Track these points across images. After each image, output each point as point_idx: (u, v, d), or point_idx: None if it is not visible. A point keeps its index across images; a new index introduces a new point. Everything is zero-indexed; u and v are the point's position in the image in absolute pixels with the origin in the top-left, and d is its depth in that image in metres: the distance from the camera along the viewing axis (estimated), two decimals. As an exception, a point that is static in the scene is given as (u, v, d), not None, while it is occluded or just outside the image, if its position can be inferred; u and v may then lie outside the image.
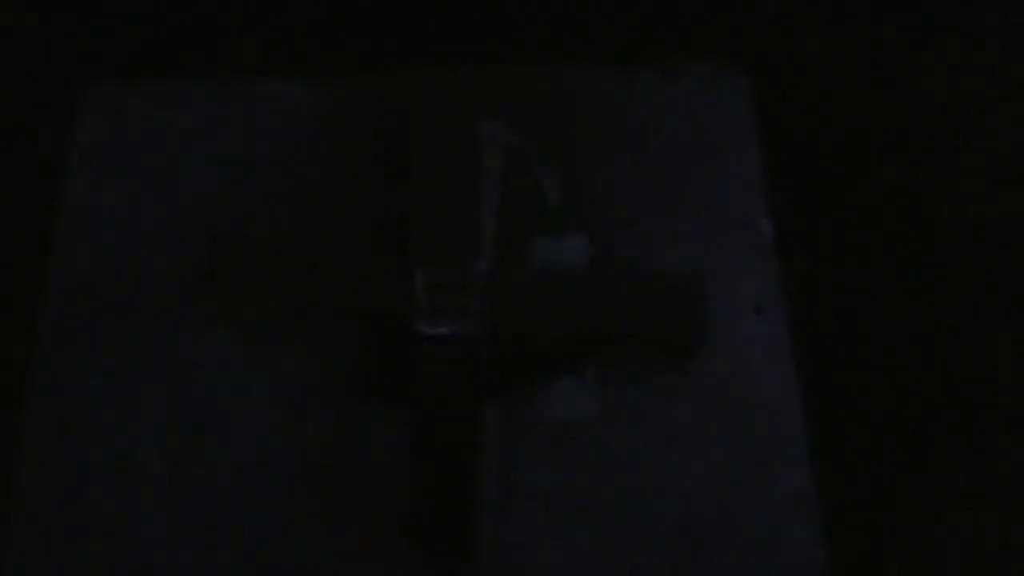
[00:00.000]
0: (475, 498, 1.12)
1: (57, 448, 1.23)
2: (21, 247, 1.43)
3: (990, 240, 1.52)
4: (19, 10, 1.62)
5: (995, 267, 1.51)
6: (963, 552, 1.27)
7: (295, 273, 1.23)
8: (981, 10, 1.66)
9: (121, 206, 1.39)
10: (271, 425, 1.23)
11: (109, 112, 1.46)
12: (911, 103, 1.62)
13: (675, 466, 1.25)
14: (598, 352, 1.29)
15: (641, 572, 1.11)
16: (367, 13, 1.69)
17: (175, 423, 1.24)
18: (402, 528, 1.10)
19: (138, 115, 1.45)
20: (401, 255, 1.20)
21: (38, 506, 1.20)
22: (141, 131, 1.44)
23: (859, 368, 1.40)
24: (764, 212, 1.39)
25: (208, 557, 1.10)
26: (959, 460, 1.31)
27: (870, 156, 1.53)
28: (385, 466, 1.18)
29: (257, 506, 1.14)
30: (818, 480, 1.20)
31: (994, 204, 1.54)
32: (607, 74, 1.48)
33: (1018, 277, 1.51)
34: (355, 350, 1.26)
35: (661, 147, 1.44)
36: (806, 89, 1.55)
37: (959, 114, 1.61)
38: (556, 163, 1.39)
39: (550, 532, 1.14)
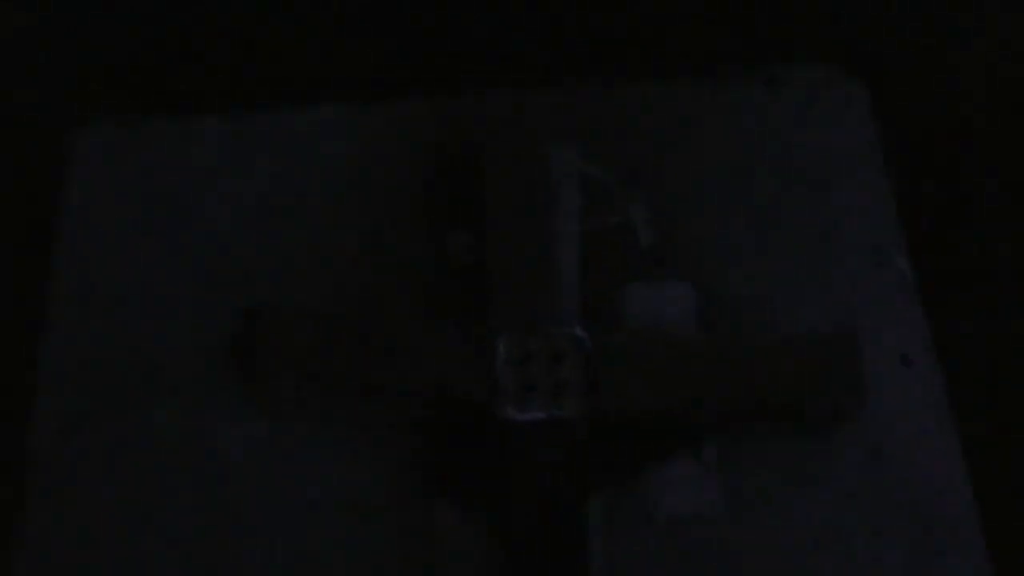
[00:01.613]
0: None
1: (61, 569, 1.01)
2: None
3: None
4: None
5: None
6: None
7: (343, 351, 1.00)
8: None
9: (126, 269, 1.16)
10: (319, 535, 1.05)
11: (108, 155, 1.23)
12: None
13: (820, 569, 1.05)
14: (718, 429, 1.09)
15: None
16: (401, 31, 1.45)
17: (199, 534, 1.00)
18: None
19: (142, 159, 1.24)
20: (470, 320, 0.94)
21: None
22: (147, 178, 1.23)
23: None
24: (901, 248, 1.15)
25: None
26: None
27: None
28: None
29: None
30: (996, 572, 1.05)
31: None
32: (699, 88, 1.26)
33: None
34: (419, 441, 1.08)
35: (769, 171, 1.24)
36: (927, 95, 1.31)
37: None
38: (644, 196, 1.23)
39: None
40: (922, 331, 1.15)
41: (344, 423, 1.08)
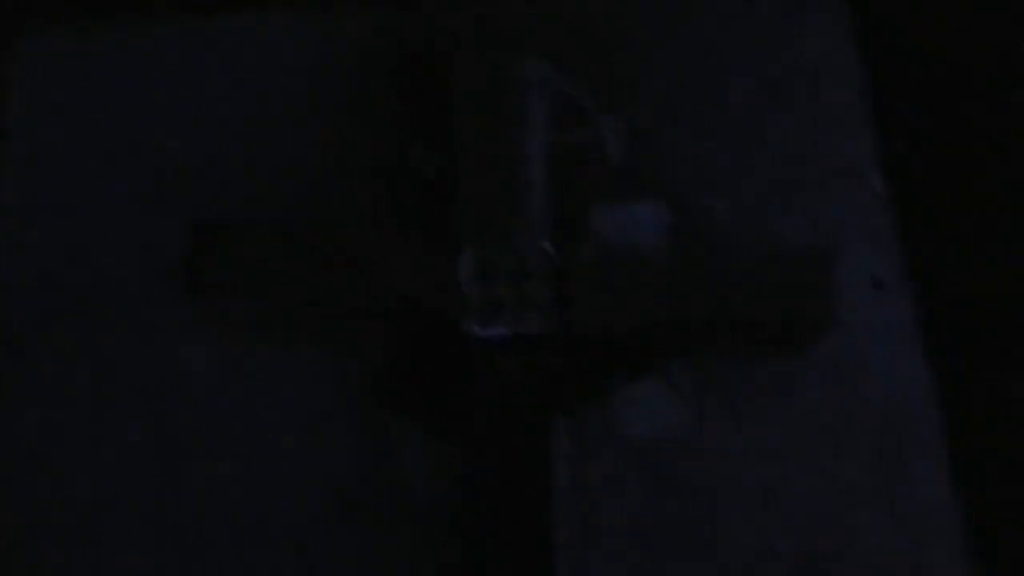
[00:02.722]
0: (550, 537, 0.94)
1: (12, 489, 1.00)
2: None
3: None
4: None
5: None
6: None
7: (301, 263, 0.96)
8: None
9: (73, 181, 1.11)
10: (278, 452, 1.03)
11: (52, 65, 1.17)
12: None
13: (789, 486, 1.04)
14: (688, 349, 1.07)
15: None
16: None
17: (157, 451, 0.98)
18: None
19: (89, 68, 1.17)
20: (437, 233, 0.90)
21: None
22: (94, 88, 1.16)
23: (995, 355, 1.14)
24: (873, 163, 1.12)
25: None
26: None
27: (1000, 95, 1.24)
28: (426, 501, 1.02)
29: (266, 553, 0.99)
30: (958, 494, 1.05)
31: None
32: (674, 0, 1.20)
33: None
34: (381, 354, 1.06)
35: (744, 86, 1.21)
36: (916, 15, 1.26)
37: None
38: (618, 110, 1.18)
39: (639, 573, 1.00)
40: (896, 254, 1.13)
41: (302, 339, 1.04)
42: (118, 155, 1.16)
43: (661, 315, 1.01)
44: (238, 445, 1.02)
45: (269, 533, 1.00)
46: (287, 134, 1.14)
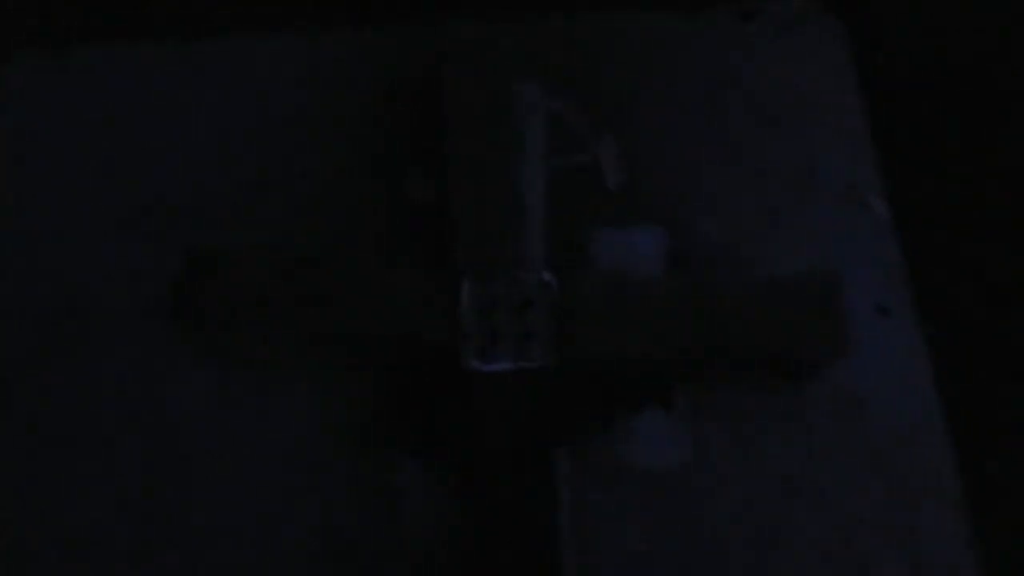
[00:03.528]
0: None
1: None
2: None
3: None
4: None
5: None
6: None
7: (296, 294, 0.93)
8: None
9: (56, 208, 1.08)
10: (272, 493, 1.00)
11: (36, 88, 1.14)
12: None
13: (793, 520, 1.02)
14: (690, 379, 1.05)
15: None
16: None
17: (144, 489, 0.96)
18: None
19: (74, 92, 1.14)
20: (435, 263, 0.89)
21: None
22: (80, 112, 1.14)
23: (1009, 384, 1.11)
24: (875, 186, 1.10)
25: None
26: None
27: (990, 112, 1.22)
28: (425, 546, 0.99)
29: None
30: (972, 532, 1.03)
31: None
32: (669, 21, 1.19)
33: None
34: (379, 389, 1.03)
35: (742, 108, 1.18)
36: (915, 37, 1.24)
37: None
38: (614, 133, 1.16)
39: (643, 607, 0.96)
40: (900, 279, 1.11)
41: (298, 372, 1.02)
42: (103, 182, 1.13)
43: (663, 345, 0.98)
44: (229, 485, 0.99)
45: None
46: (278, 161, 1.11)
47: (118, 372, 1.02)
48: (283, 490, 0.99)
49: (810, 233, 1.13)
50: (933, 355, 1.07)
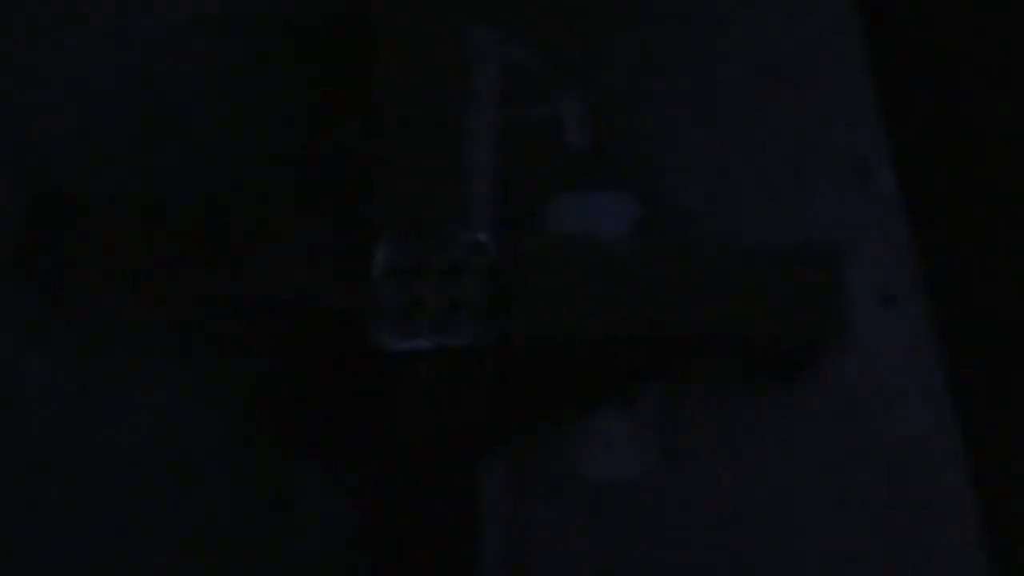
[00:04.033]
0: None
1: None
2: None
3: None
4: None
5: None
6: None
7: (170, 247, 0.76)
8: None
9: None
10: (139, 493, 0.82)
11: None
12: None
13: (778, 544, 0.87)
14: (657, 371, 0.89)
15: None
16: None
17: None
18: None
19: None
20: (349, 219, 0.83)
21: None
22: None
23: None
24: (882, 158, 0.95)
25: None
26: None
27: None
28: (321, 556, 0.82)
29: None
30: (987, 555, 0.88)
31: None
32: (648, -42, 1.03)
33: None
34: (268, 370, 0.86)
35: (731, 61, 1.05)
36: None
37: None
38: (582, 86, 1.00)
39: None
40: (907, 262, 0.96)
41: (170, 348, 0.84)
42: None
43: (624, 326, 0.82)
44: (87, 484, 0.82)
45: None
46: (176, 102, 0.95)
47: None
48: (150, 496, 0.83)
49: (806, 209, 0.98)
50: (944, 351, 0.94)
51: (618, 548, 0.84)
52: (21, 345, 0.84)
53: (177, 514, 0.81)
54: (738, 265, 0.79)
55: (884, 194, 0.99)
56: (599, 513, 0.84)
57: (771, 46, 1.03)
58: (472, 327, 0.78)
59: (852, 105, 1.02)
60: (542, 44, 1.02)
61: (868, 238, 0.97)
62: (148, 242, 0.77)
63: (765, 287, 0.78)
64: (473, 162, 0.90)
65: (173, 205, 0.79)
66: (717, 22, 1.03)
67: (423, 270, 0.79)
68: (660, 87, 1.01)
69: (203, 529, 0.82)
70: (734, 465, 0.87)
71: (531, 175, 0.96)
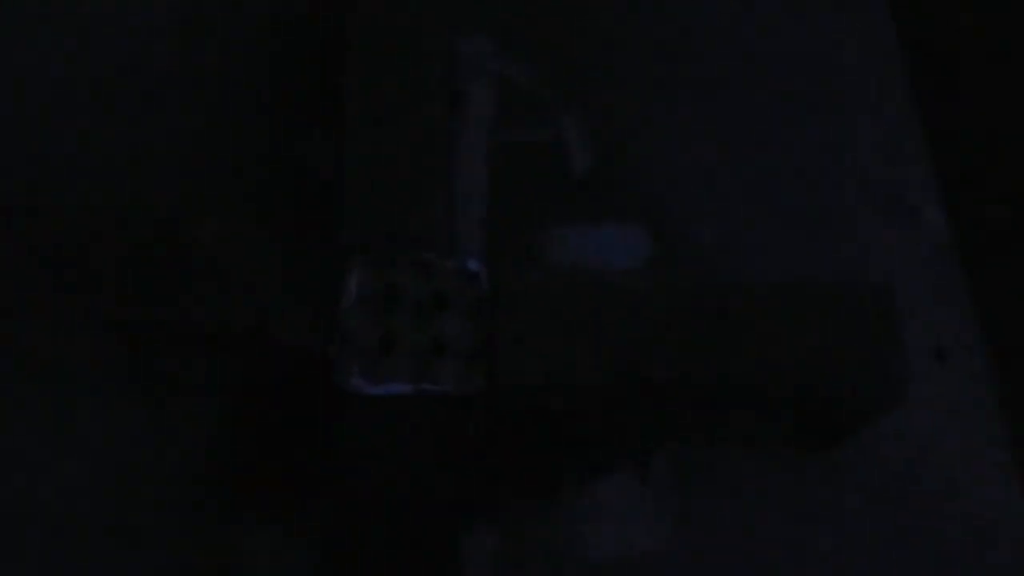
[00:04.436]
0: None
1: None
2: None
3: None
4: None
5: None
6: None
7: (111, 270, 0.62)
8: None
9: None
10: (65, 555, 0.69)
11: None
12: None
13: None
14: (675, 431, 0.75)
15: None
16: None
17: None
18: None
19: None
20: (314, 240, 0.58)
21: None
22: None
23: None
24: (930, 194, 0.83)
25: None
26: None
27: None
28: None
29: None
30: None
31: None
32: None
33: None
34: (218, 414, 0.73)
35: (752, 80, 0.95)
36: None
37: None
38: (583, 107, 0.88)
39: None
40: (961, 311, 0.84)
41: (110, 384, 0.70)
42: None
43: (640, 372, 0.68)
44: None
45: None
46: (134, 110, 0.82)
47: None
48: (81, 556, 0.69)
49: (839, 248, 0.87)
50: (1005, 414, 0.81)
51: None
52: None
53: (107, 570, 0.67)
54: (777, 305, 0.66)
55: (932, 234, 0.86)
56: None
57: (799, 69, 0.92)
58: (456, 371, 0.65)
59: (893, 135, 0.91)
60: (540, 59, 0.90)
61: (916, 283, 0.84)
62: (85, 257, 0.63)
63: (810, 332, 0.65)
64: (462, 181, 0.77)
65: (117, 218, 0.66)
66: (739, 43, 0.92)
67: (400, 301, 0.66)
68: (671, 111, 0.90)
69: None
70: (761, 537, 0.74)
71: (527, 203, 0.84)
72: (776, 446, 0.72)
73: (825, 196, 0.88)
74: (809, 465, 0.74)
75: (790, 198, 0.87)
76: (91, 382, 0.70)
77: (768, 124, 0.89)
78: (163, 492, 0.70)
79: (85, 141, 0.82)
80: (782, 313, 0.66)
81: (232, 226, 0.69)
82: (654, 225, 0.84)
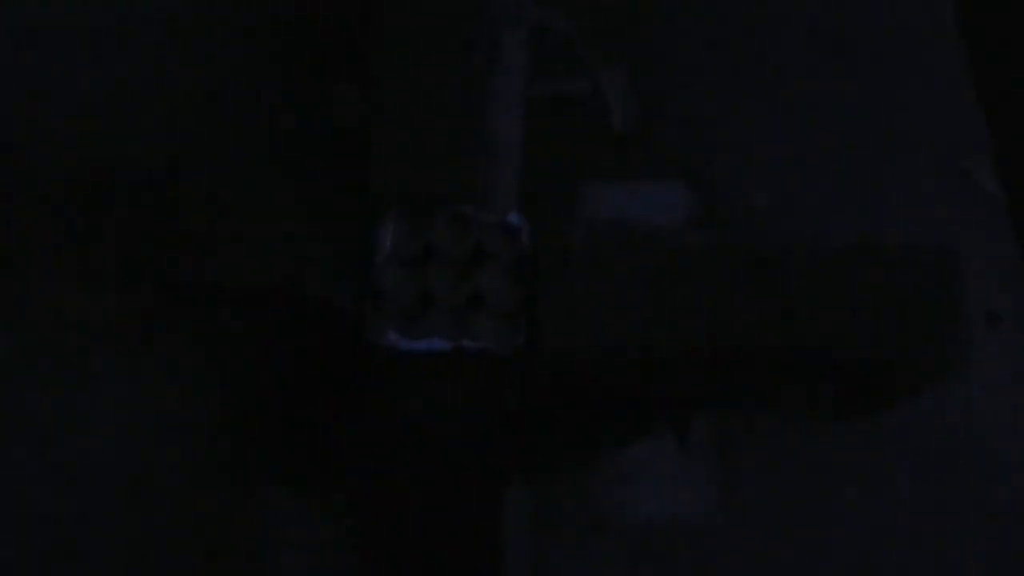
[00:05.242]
0: None
1: None
2: None
3: None
4: None
5: None
6: None
7: (128, 227, 0.61)
8: None
9: None
10: (88, 508, 0.68)
11: None
12: None
13: None
14: (717, 394, 0.73)
15: None
16: None
17: None
18: None
19: None
20: (347, 194, 0.68)
21: None
22: None
23: None
24: (985, 154, 0.80)
25: None
26: None
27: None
28: None
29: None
30: None
31: None
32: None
33: None
34: (244, 371, 0.71)
35: (801, 34, 0.89)
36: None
37: None
38: (625, 59, 0.86)
39: None
40: (1015, 275, 0.82)
41: (127, 347, 0.68)
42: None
43: (687, 334, 0.65)
44: (18, 509, 0.65)
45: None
46: (155, 63, 0.80)
47: None
48: (103, 521, 0.67)
49: (895, 212, 0.84)
50: None
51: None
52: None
53: (129, 546, 0.66)
54: (833, 267, 0.63)
55: (986, 195, 0.84)
56: (642, 563, 0.70)
57: (852, 26, 0.89)
58: (495, 328, 0.62)
59: (946, 90, 0.88)
60: (580, 9, 0.88)
61: (968, 245, 0.81)
62: (97, 217, 0.62)
63: (867, 295, 0.62)
64: (499, 133, 0.75)
65: (130, 173, 0.64)
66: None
67: (437, 256, 0.63)
68: (717, 65, 0.88)
69: (162, 566, 0.66)
70: (806, 509, 0.72)
71: (566, 159, 0.81)
72: (823, 413, 0.70)
73: (877, 158, 0.86)
74: (853, 433, 0.72)
75: (841, 160, 0.85)
76: (113, 341, 0.69)
77: (819, 83, 0.87)
78: (187, 457, 0.69)
79: (101, 90, 0.80)
80: (843, 276, 0.64)
81: (256, 177, 0.67)
82: (699, 184, 0.83)
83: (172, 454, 0.70)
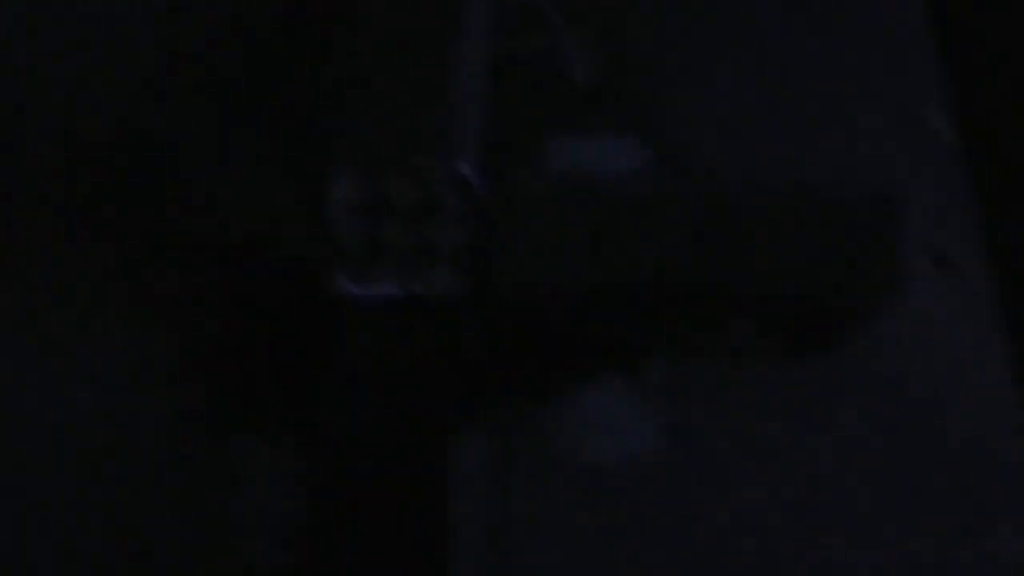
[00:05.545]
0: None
1: None
2: None
3: None
4: None
5: None
6: None
7: (91, 182, 0.63)
8: None
9: None
10: (64, 470, 0.72)
11: None
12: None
13: (810, 537, 0.76)
14: (666, 335, 0.77)
15: None
16: None
17: None
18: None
19: None
20: (302, 146, 0.74)
21: None
22: None
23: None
24: (936, 98, 0.89)
25: None
26: None
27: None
28: (268, 548, 0.72)
29: None
30: None
31: None
32: None
33: None
34: (209, 324, 0.75)
35: None
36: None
37: None
38: (582, 15, 0.89)
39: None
40: (964, 221, 0.85)
41: (85, 302, 0.72)
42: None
43: (634, 275, 0.69)
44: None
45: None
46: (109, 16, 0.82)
47: None
48: (87, 478, 0.71)
49: (844, 155, 0.87)
50: (1006, 319, 0.83)
51: (613, 542, 0.74)
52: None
53: (99, 504, 0.70)
54: (773, 208, 0.67)
55: (938, 141, 0.87)
56: (592, 500, 0.74)
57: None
58: (447, 276, 0.66)
59: (900, 42, 0.91)
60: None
61: (919, 190, 0.85)
62: (61, 171, 0.65)
63: (806, 234, 0.66)
64: (456, 86, 0.77)
65: (98, 131, 0.67)
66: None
67: (389, 206, 0.66)
68: (674, 20, 0.91)
69: (127, 519, 0.70)
70: (756, 447, 0.76)
71: (526, 115, 0.85)
72: (772, 350, 0.74)
73: (829, 104, 0.89)
74: (802, 374, 0.76)
75: (793, 106, 0.88)
76: (88, 299, 0.72)
77: (770, 32, 0.90)
78: (163, 410, 0.73)
79: (77, 56, 0.83)
80: (783, 219, 0.67)
81: (219, 134, 0.69)
82: (655, 135, 0.86)
83: (149, 404, 0.74)
